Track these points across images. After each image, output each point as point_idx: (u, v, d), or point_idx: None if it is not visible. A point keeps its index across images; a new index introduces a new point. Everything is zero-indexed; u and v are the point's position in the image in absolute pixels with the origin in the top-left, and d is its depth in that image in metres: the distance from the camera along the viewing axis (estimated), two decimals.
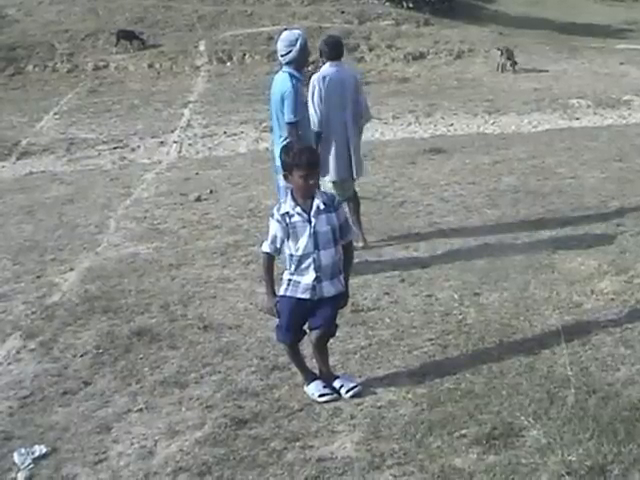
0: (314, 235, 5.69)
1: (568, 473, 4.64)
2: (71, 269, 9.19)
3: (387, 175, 12.94)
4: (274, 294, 5.94)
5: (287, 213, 5.71)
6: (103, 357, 6.72)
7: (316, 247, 5.71)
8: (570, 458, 4.77)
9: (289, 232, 5.72)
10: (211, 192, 12.54)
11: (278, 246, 5.84)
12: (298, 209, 5.70)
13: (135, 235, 10.48)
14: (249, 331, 7.07)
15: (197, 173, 14.33)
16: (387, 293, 7.79)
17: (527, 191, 11.62)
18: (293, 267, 5.81)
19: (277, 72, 8.57)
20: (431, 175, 12.86)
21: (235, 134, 18.29)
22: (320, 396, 5.81)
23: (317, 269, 5.74)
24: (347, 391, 5.82)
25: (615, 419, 5.20)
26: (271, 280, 5.98)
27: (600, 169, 12.93)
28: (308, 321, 5.88)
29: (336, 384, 5.91)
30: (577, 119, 18.80)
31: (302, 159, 5.63)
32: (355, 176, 9.28)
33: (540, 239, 9.24)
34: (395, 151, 15.25)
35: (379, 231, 9.77)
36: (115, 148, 17.44)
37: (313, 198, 5.73)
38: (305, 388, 5.94)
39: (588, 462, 4.70)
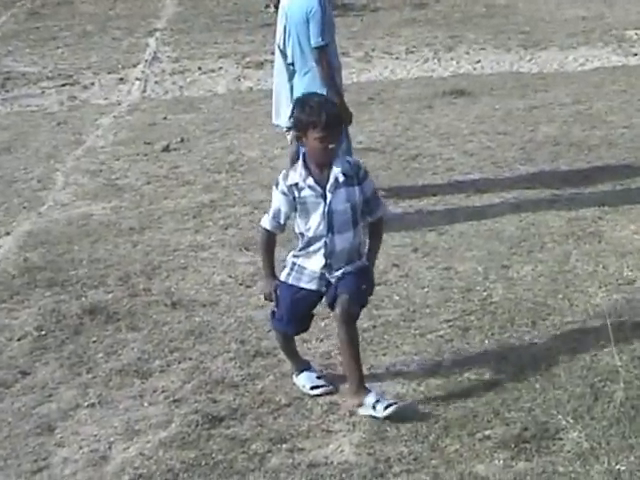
0: (328, 215, 5.52)
1: None
2: (7, 233, 9.18)
3: (398, 122, 12.90)
4: (274, 277, 5.87)
5: (296, 185, 5.53)
6: (46, 341, 6.72)
7: (330, 229, 5.55)
8: (618, 467, 4.79)
9: (297, 207, 5.58)
10: (182, 141, 12.48)
11: (282, 222, 5.71)
12: (310, 181, 5.51)
13: (88, 192, 10.44)
14: (227, 310, 7.09)
15: (165, 117, 14.26)
16: (396, 265, 7.79)
17: (570, 143, 11.60)
18: (300, 246, 5.73)
19: None
20: (452, 123, 12.81)
21: (212, 70, 18.16)
22: (312, 388, 5.79)
23: (327, 255, 5.61)
24: (385, 408, 5.40)
25: None
26: (270, 260, 5.90)
27: None
28: (325, 298, 5.79)
29: (369, 400, 5.47)
30: (635, 55, 18.69)
31: (321, 116, 5.35)
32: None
33: (584, 201, 9.22)
34: (408, 93, 15.18)
35: (387, 190, 9.74)
36: (63, 85, 17.28)
37: (331, 167, 5.52)
38: (294, 379, 5.92)
39: None
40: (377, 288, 7.22)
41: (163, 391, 5.92)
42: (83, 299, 7.37)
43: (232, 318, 6.93)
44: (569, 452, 4.97)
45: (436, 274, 7.51)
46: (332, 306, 5.69)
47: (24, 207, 9.99)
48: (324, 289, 5.70)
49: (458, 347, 6.30)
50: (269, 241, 5.85)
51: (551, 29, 21.17)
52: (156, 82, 17.31)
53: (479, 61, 18.29)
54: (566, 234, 8.34)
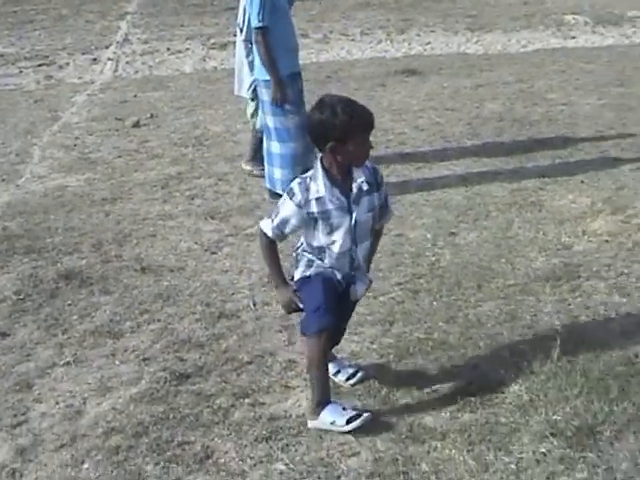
0: (354, 227, 4.79)
1: (553, 434, 4.66)
2: None
3: (353, 99, 12.85)
4: (287, 283, 5.02)
5: (319, 199, 4.69)
6: (24, 304, 6.65)
7: (354, 242, 4.85)
8: (555, 417, 4.81)
9: (316, 221, 4.75)
10: (151, 117, 12.47)
11: (286, 233, 4.88)
12: (337, 193, 4.72)
13: (63, 165, 10.39)
14: (193, 274, 7.05)
15: (135, 95, 14.21)
16: None
17: (513, 119, 11.66)
18: (319, 256, 4.92)
19: None
20: (404, 100, 12.83)
21: (179, 51, 18.12)
22: (349, 422, 4.79)
23: (353, 268, 4.95)
24: (347, 378, 5.25)
25: (607, 375, 5.23)
26: (278, 267, 5.02)
27: (597, 95, 12.97)
28: None
29: (330, 368, 5.14)
30: (573, 38, 18.74)
31: (362, 117, 4.61)
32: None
33: (526, 173, 9.26)
34: (363, 72, 15.20)
35: None
36: (40, 65, 17.20)
37: (351, 174, 4.76)
38: (314, 422, 4.90)
39: (575, 422, 4.73)
40: None
41: (133, 350, 5.87)
42: (59, 265, 7.30)
43: (198, 282, 6.89)
44: (510, 404, 4.98)
45: (388, 240, 7.48)
46: None
47: (3, 180, 9.92)
48: (343, 287, 4.97)
49: (409, 308, 6.28)
50: (272, 247, 4.98)
51: (496, 13, 21.24)
52: (127, 62, 17.25)
53: (429, 43, 18.32)
54: (509, 203, 8.37)
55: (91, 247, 7.69)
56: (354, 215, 4.75)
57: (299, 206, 4.71)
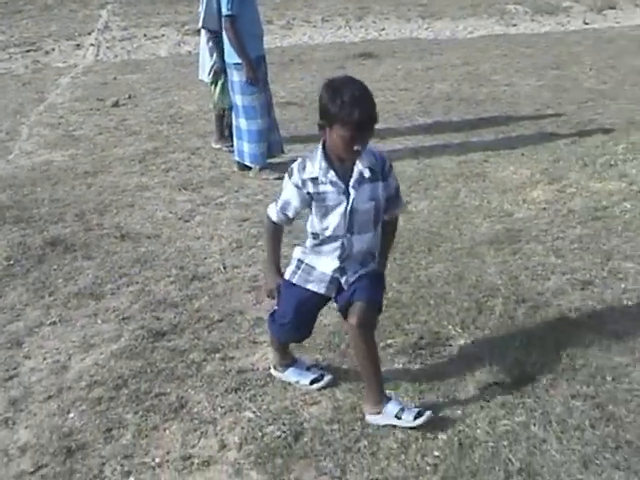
0: (350, 214, 4.19)
1: (495, 383, 4.68)
2: None
3: (315, 80, 12.84)
4: (279, 273, 4.56)
5: (314, 179, 4.17)
6: (14, 269, 6.58)
7: (349, 229, 4.23)
8: (497, 368, 4.82)
9: (313, 203, 4.24)
10: (129, 97, 12.40)
11: (291, 216, 4.38)
12: (332, 175, 4.14)
13: (49, 142, 10.33)
14: (168, 240, 7.01)
15: (115, 77, 14.13)
16: None
17: (460, 98, 11.68)
18: (310, 245, 4.42)
19: None
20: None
21: (156, 37, 18.02)
22: (313, 382, 4.73)
23: (342, 258, 4.33)
24: (415, 417, 4.30)
25: (544, 329, 5.26)
26: (276, 254, 4.57)
27: (536, 77, 13.02)
28: (337, 303, 4.49)
29: (390, 409, 4.37)
30: (514, 25, 18.80)
31: (353, 114, 3.89)
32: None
33: (472, 147, 9.28)
34: (324, 55, 15.17)
35: (305, 137, 9.70)
36: (27, 51, 17.07)
37: (354, 161, 4.16)
38: (277, 374, 4.87)
39: (515, 372, 4.75)
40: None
41: (114, 310, 5.82)
42: (45, 233, 7.22)
43: (172, 248, 6.85)
44: (457, 356, 4.98)
45: None
46: (345, 313, 4.39)
47: None
48: (333, 294, 4.44)
49: None
50: (275, 232, 4.51)
51: (445, 2, 21.22)
52: (107, 47, 17.13)
53: (384, 29, 18.30)
54: (456, 174, 8.38)
55: (74, 216, 7.62)
56: (351, 200, 4.13)
57: (297, 186, 4.21)
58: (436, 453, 4.14)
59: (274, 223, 4.45)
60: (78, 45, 17.54)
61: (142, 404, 4.68)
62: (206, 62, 9.34)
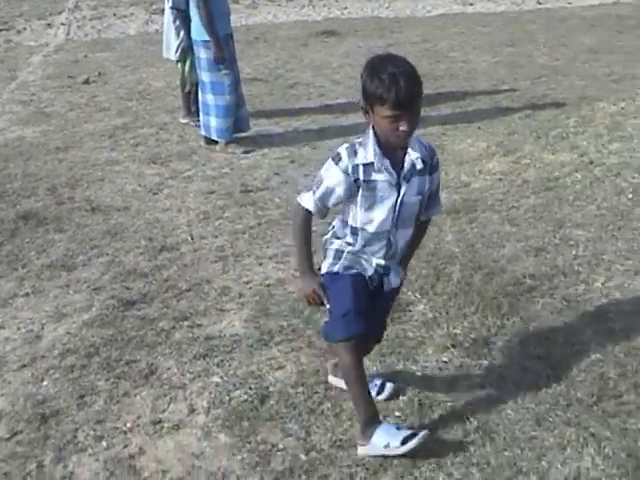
0: (399, 207, 3.71)
1: (453, 345, 4.70)
2: None
3: (279, 57, 12.83)
4: (314, 271, 3.93)
5: (369, 165, 3.61)
6: None
7: (395, 224, 3.75)
8: (455, 331, 4.83)
9: (360, 193, 3.68)
10: (99, 74, 12.31)
11: (330, 205, 3.78)
12: (387, 164, 3.63)
13: (21, 119, 10.22)
14: (137, 213, 6.95)
15: (85, 55, 14.00)
16: (277, 173, 7.78)
17: (419, 74, 11.62)
18: (354, 243, 3.86)
19: None
20: (324, 57, 12.78)
21: (125, 16, 17.88)
22: (404, 443, 3.77)
23: (388, 256, 3.86)
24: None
25: (499, 294, 5.28)
26: (309, 249, 3.89)
27: (492, 54, 13.04)
28: None
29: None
30: (471, 5, 18.80)
31: (391, 90, 3.42)
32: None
33: (430, 121, 9.24)
34: (287, 34, 15.11)
35: (270, 113, 9.67)
36: (0, 31, 16.83)
37: (406, 150, 3.66)
38: (366, 448, 3.87)
39: (472, 335, 4.77)
40: (261, 192, 7.29)
41: (85, 281, 5.77)
42: (18, 207, 7.15)
43: (142, 220, 6.79)
44: (417, 321, 4.99)
45: (310, 181, 7.44)
46: None
47: None
48: (374, 285, 3.92)
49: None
50: (308, 224, 3.87)
51: None
52: (78, 26, 16.98)
53: (346, 7, 18.26)
54: None
55: (46, 191, 7.54)
56: (402, 192, 3.66)
57: (346, 172, 3.62)
58: (397, 414, 4.14)
59: (308, 213, 3.80)
60: (49, 24, 17.37)
61: (113, 371, 4.65)
62: (171, 41, 9.29)
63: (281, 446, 3.95)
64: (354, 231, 3.81)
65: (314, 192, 3.75)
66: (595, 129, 8.68)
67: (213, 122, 8.56)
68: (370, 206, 3.70)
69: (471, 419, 4.05)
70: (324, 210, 3.81)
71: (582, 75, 11.50)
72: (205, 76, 8.49)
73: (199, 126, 8.89)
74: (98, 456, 3.95)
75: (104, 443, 4.05)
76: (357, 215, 3.74)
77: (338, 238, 3.92)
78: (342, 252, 3.87)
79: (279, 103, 10.25)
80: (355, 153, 3.63)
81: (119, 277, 5.81)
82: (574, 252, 5.87)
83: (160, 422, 4.19)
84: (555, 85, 10.95)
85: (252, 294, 5.48)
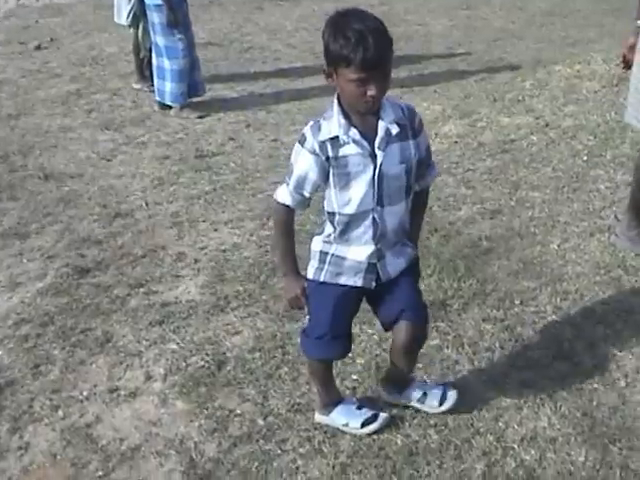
0: (379, 180, 3.22)
1: None
2: None
3: (234, 21, 12.73)
4: (299, 274, 3.57)
5: (334, 139, 3.16)
6: None
7: (379, 201, 3.27)
8: None
9: (332, 172, 3.23)
10: (51, 40, 12.13)
11: (307, 194, 3.33)
12: (355, 133, 3.16)
13: None
14: (91, 180, 6.87)
15: (37, 21, 13.79)
16: (232, 138, 7.74)
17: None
18: (332, 230, 3.39)
19: None
20: (279, 21, 12.72)
21: None
22: (365, 425, 3.78)
23: (377, 238, 3.36)
24: (440, 403, 3.85)
25: (456, 256, 5.29)
26: (291, 249, 3.50)
27: (448, 17, 13.04)
28: (379, 315, 3.67)
29: (414, 393, 3.89)
30: None
31: (357, 51, 2.95)
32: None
33: None
34: None
35: (225, 77, 9.60)
36: None
37: (378, 114, 3.19)
38: (322, 418, 3.88)
39: (430, 297, 4.75)
40: (216, 157, 7.25)
41: (39, 249, 5.70)
42: None
43: (95, 186, 6.72)
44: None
45: (265, 145, 7.45)
46: (389, 326, 3.64)
47: None
48: (373, 284, 3.47)
49: None
50: (288, 221, 3.45)
51: None
52: None
53: None
54: None
55: None
56: (378, 163, 3.18)
57: (314, 152, 3.18)
58: (354, 377, 4.14)
59: (287, 208, 3.39)
60: None
61: (68, 340, 4.60)
62: (122, 6, 9.18)
63: (239, 411, 3.94)
64: (332, 218, 3.35)
65: (287, 184, 3.34)
66: (551, 92, 8.70)
67: (167, 87, 8.48)
68: (345, 184, 3.24)
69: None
70: (304, 201, 3.36)
71: (538, 38, 11.53)
72: (159, 40, 8.39)
73: (153, 91, 8.80)
74: (54, 426, 3.91)
75: (60, 412, 4.01)
76: (332, 198, 3.29)
77: (320, 234, 3.48)
78: (326, 254, 3.45)
79: (234, 67, 10.18)
80: (319, 129, 3.18)
81: (73, 245, 5.74)
82: (530, 214, 5.89)
83: (116, 390, 4.16)
84: (511, 48, 10.99)
85: (208, 260, 5.44)
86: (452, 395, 3.88)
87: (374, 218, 3.29)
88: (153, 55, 8.63)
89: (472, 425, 3.78)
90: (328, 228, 3.40)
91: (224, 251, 5.55)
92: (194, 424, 3.87)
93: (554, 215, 5.88)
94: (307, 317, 3.67)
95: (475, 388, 4.04)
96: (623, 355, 4.29)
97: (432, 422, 3.80)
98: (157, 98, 8.66)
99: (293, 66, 10.19)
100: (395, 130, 3.18)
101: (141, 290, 5.09)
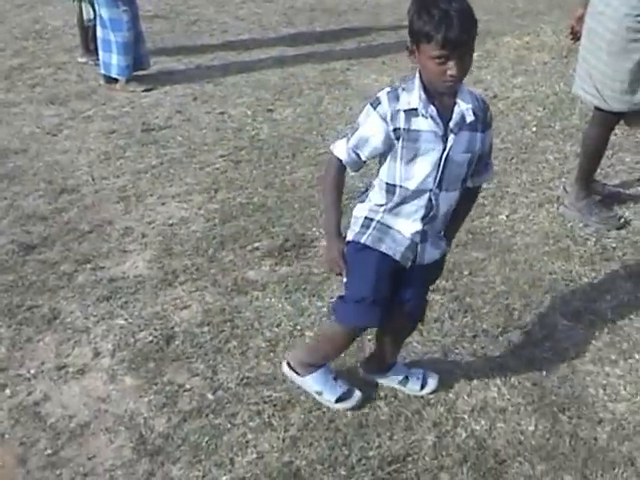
0: (444, 163, 3.17)
1: None
2: None
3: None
4: (340, 235, 3.44)
5: (412, 111, 3.09)
6: None
7: (439, 184, 3.21)
8: None
9: (399, 144, 3.14)
10: None
11: (363, 157, 3.24)
12: (433, 110, 3.10)
13: None
14: (36, 155, 6.76)
15: None
16: (179, 111, 7.66)
17: (323, 9, 11.61)
18: (387, 202, 3.31)
19: None
20: None
21: None
22: (339, 401, 3.78)
23: (427, 219, 3.30)
24: (422, 387, 3.88)
25: None
26: (337, 208, 3.39)
27: None
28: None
29: (396, 377, 3.92)
30: None
31: (440, 28, 2.90)
32: None
33: (335, 56, 9.24)
34: None
35: (172, 50, 9.51)
36: None
37: (455, 99, 3.14)
38: (295, 376, 3.87)
39: None
40: (163, 131, 7.19)
41: None
42: None
43: (41, 162, 6.61)
44: (321, 256, 4.96)
45: (213, 118, 7.39)
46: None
47: None
48: (409, 264, 3.41)
49: (231, 177, 6.20)
50: (339, 178, 3.35)
51: None
52: None
53: None
54: (320, 82, 8.35)
55: None
56: (449, 146, 3.14)
57: (384, 119, 3.10)
58: None
59: (339, 163, 3.30)
60: None
61: (15, 317, 4.54)
62: None
63: (188, 386, 3.92)
64: (390, 189, 3.26)
65: (348, 139, 3.26)
66: (499, 63, 8.73)
67: (114, 59, 8.35)
68: (412, 159, 3.16)
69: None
70: (358, 162, 3.28)
71: (487, 10, 11.51)
72: (104, 12, 8.27)
73: (98, 65, 8.67)
74: (2, 404, 3.86)
75: (7, 391, 3.96)
76: (396, 170, 3.20)
77: (363, 202, 3.43)
78: (371, 220, 3.37)
79: (181, 40, 10.07)
80: (397, 98, 3.11)
81: (18, 221, 5.65)
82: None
83: (64, 367, 4.12)
84: None
85: (155, 234, 5.40)
86: (433, 380, 3.89)
87: (430, 199, 3.24)
88: (98, 28, 8.50)
89: (422, 397, 3.80)
90: (379, 198, 3.33)
91: (172, 225, 5.50)
92: (143, 400, 3.85)
93: (503, 186, 5.91)
94: (344, 281, 3.46)
95: (424, 359, 4.06)
96: (572, 325, 4.34)
97: (382, 394, 3.82)
98: (102, 71, 8.53)
99: (241, 38, 10.11)
100: (470, 118, 3.15)
101: (88, 266, 5.03)
